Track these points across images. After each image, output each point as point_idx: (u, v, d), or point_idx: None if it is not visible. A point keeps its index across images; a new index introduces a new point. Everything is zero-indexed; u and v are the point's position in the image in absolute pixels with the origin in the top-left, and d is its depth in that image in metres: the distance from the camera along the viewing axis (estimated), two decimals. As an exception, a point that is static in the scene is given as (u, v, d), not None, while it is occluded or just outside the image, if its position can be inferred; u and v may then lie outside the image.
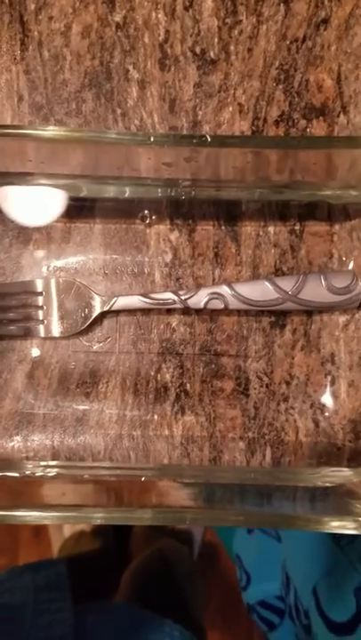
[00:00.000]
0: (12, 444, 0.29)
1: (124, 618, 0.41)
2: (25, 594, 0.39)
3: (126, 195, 0.28)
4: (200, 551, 0.94)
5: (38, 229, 0.29)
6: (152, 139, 0.22)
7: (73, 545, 0.84)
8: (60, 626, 0.36)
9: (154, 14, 0.30)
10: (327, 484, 0.28)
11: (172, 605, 0.50)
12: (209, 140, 0.22)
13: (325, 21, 0.30)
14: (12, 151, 0.24)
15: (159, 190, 0.27)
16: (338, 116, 0.30)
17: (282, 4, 0.30)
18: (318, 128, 0.30)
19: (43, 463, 0.29)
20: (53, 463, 0.29)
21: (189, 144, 0.22)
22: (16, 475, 0.27)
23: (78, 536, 0.87)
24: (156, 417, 0.29)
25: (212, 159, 0.24)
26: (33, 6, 0.30)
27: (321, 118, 0.30)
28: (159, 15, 0.30)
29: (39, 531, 0.97)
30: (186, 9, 0.30)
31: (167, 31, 0.30)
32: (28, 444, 0.29)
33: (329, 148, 0.22)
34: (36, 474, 0.28)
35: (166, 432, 0.30)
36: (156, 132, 0.28)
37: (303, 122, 0.30)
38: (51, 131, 0.22)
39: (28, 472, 0.28)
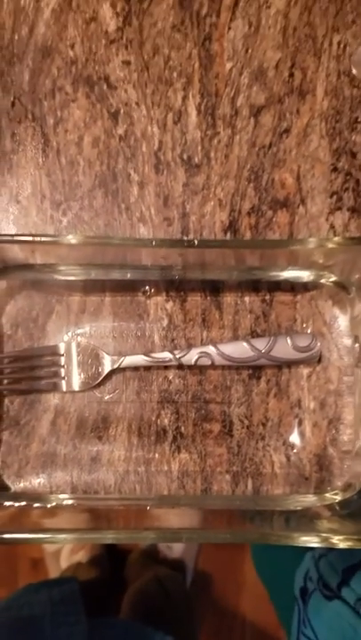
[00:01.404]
0: (38, 480, 0.34)
1: (132, 633, 0.44)
2: (43, 607, 0.42)
3: (128, 276, 0.34)
4: (193, 579, 0.97)
5: (60, 303, 0.35)
6: (153, 243, 0.29)
7: (70, 575, 0.86)
8: (78, 637, 0.40)
9: (149, 128, 0.37)
10: (298, 508, 0.33)
11: (170, 623, 0.53)
12: (196, 243, 0.28)
13: (287, 131, 0.37)
14: (41, 251, 0.31)
15: (156, 273, 0.34)
16: (298, 207, 0.36)
17: (252, 118, 0.37)
18: (282, 217, 0.37)
19: (63, 496, 0.34)
20: (72, 496, 0.34)
21: (181, 246, 0.29)
22: (44, 505, 0.33)
23: (75, 567, 0.89)
24: (157, 455, 0.35)
25: (199, 252, 0.31)
26: (52, 121, 0.37)
27: (284, 209, 0.36)
28: (154, 129, 0.37)
29: (36, 563, 0.99)
30: (175, 123, 0.37)
31: (160, 141, 0.37)
32: (52, 480, 0.34)
33: (287, 247, 0.29)
34: (59, 505, 0.33)
35: (165, 468, 0.34)
36: (156, 238, 0.35)
37: (270, 212, 0.36)
38: (72, 238, 0.29)
39: (52, 504, 0.33)
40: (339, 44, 0.37)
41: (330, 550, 0.44)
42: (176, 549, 0.93)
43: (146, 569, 0.81)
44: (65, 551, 0.93)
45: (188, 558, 0.95)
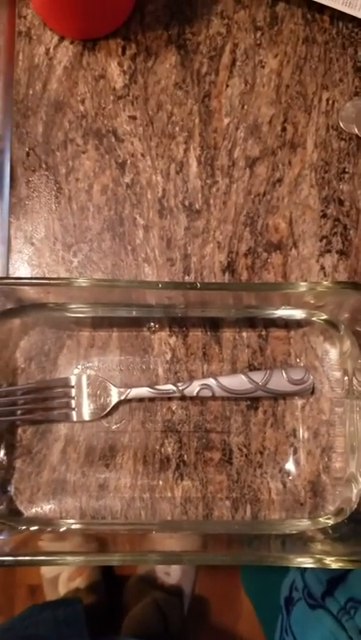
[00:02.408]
0: (49, 506, 0.36)
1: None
2: (48, 627, 0.43)
3: (134, 314, 0.36)
4: (190, 605, 0.97)
5: (70, 338, 0.38)
6: (160, 285, 0.31)
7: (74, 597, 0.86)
8: None
9: (154, 177, 0.40)
10: (293, 532, 0.35)
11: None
12: (198, 286, 0.31)
13: (280, 180, 0.40)
14: (54, 291, 0.33)
15: (160, 311, 0.36)
16: (290, 249, 0.39)
17: (247, 168, 0.40)
18: (276, 259, 0.39)
19: (72, 521, 0.35)
20: (81, 521, 0.35)
21: (185, 288, 0.32)
22: (54, 530, 0.35)
23: (74, 593, 0.90)
24: (161, 482, 0.36)
25: (200, 293, 0.34)
26: (64, 170, 0.40)
27: (278, 251, 0.39)
28: (158, 178, 0.40)
29: (34, 590, 0.99)
30: (177, 173, 0.40)
31: (164, 189, 0.40)
32: (62, 505, 0.36)
33: (280, 290, 0.32)
34: (69, 529, 0.35)
35: (169, 494, 0.36)
36: (161, 281, 0.37)
37: (265, 254, 0.39)
38: (83, 281, 0.31)
39: (62, 528, 0.35)
40: (327, 100, 0.41)
41: None
42: (174, 576, 0.94)
43: (144, 594, 0.81)
44: (63, 577, 0.93)
45: (186, 585, 0.95)
